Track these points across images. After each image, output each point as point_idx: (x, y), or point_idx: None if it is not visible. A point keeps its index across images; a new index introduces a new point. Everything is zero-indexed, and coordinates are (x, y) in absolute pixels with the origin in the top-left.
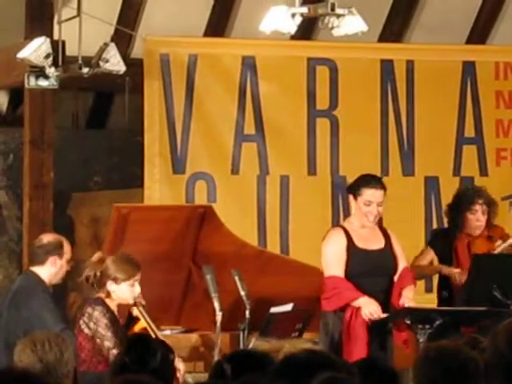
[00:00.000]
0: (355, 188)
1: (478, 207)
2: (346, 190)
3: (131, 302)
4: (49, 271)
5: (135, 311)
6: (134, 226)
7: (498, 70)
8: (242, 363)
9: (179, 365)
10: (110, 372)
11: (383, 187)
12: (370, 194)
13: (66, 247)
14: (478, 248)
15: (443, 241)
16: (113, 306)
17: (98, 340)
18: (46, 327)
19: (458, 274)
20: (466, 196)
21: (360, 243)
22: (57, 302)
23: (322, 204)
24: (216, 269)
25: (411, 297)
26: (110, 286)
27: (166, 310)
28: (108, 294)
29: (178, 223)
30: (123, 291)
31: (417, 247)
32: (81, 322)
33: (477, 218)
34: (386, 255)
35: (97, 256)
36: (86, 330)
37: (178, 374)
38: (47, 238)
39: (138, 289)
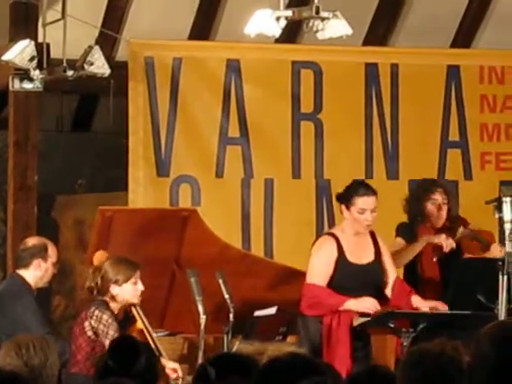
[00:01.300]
0: (347, 198)
1: (437, 196)
2: (337, 200)
3: (136, 300)
4: (33, 274)
5: (134, 311)
6: (118, 229)
7: (483, 73)
8: (225, 366)
9: (179, 369)
10: (94, 375)
11: (375, 193)
12: (362, 202)
13: (51, 250)
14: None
15: (408, 230)
16: (116, 308)
17: (107, 341)
18: (29, 331)
19: (444, 241)
20: (425, 186)
21: (351, 256)
22: (41, 305)
23: (307, 207)
24: (200, 272)
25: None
26: (113, 289)
27: (150, 312)
28: (112, 297)
29: (163, 226)
30: (127, 292)
31: None
32: (86, 323)
33: (438, 208)
34: (376, 269)
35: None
36: (90, 333)
37: (178, 376)
38: (32, 241)
39: (140, 286)
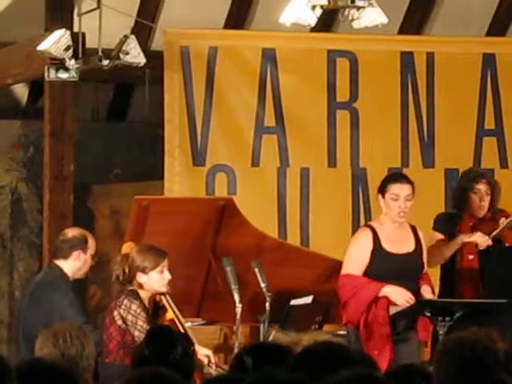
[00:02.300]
0: (382, 186)
1: (481, 186)
2: (378, 191)
3: (163, 289)
4: (73, 265)
5: (164, 300)
6: (154, 219)
7: None
8: (262, 355)
9: (211, 356)
10: (131, 364)
11: (409, 182)
12: (395, 188)
13: (91, 242)
14: (482, 229)
15: (446, 223)
16: (145, 298)
17: (136, 332)
18: (66, 320)
19: (479, 238)
20: (469, 176)
21: (388, 246)
22: (77, 295)
23: (342, 196)
24: (236, 261)
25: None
26: (140, 277)
27: (186, 302)
28: (140, 286)
29: (198, 215)
30: (154, 280)
31: None
32: (115, 312)
33: (480, 198)
34: (415, 259)
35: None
36: (120, 322)
37: (210, 362)
38: (72, 232)
39: (167, 275)
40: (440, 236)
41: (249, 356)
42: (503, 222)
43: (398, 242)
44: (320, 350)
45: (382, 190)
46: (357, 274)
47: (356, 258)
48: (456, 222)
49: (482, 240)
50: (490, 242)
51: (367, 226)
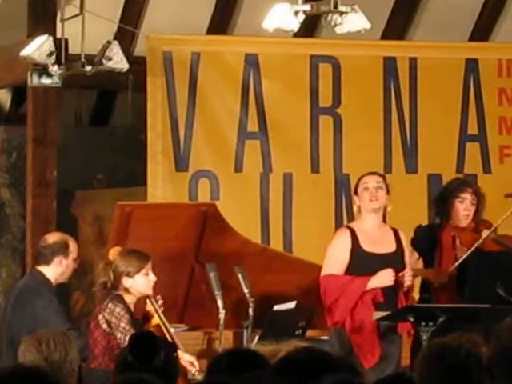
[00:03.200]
0: (356, 186)
1: (466, 195)
2: (353, 194)
3: (149, 291)
4: (55, 271)
5: (149, 305)
6: (137, 224)
7: (501, 67)
8: (238, 361)
9: (195, 362)
10: (114, 371)
11: (379, 175)
12: (365, 178)
13: (72, 246)
14: (464, 239)
15: (424, 236)
16: (131, 302)
17: (119, 334)
18: (50, 327)
19: (432, 277)
20: (455, 184)
21: (367, 246)
22: (61, 301)
23: (326, 202)
24: (219, 267)
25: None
26: (126, 281)
27: (169, 307)
28: (127, 291)
29: (182, 221)
30: (139, 283)
31: None
32: (100, 316)
33: (465, 207)
34: (395, 259)
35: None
36: (104, 326)
37: (193, 369)
38: (53, 237)
39: (152, 277)
40: (414, 253)
41: (223, 360)
42: (485, 233)
43: (378, 243)
44: (302, 356)
45: (356, 188)
46: (338, 272)
47: (336, 257)
48: (435, 233)
49: (435, 280)
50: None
51: (346, 226)
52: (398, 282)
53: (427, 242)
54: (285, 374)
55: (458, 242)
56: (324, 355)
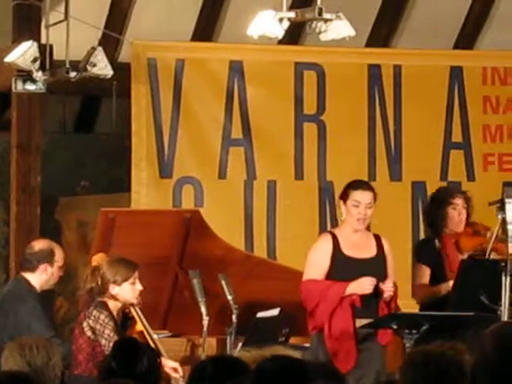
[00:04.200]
0: (344, 193)
1: (458, 201)
2: (339, 197)
3: (134, 301)
4: (39, 278)
5: (133, 312)
6: (120, 231)
7: (486, 75)
8: (221, 368)
9: (179, 368)
10: (97, 377)
11: (371, 189)
12: (357, 194)
13: (58, 254)
14: (465, 244)
15: (428, 252)
16: (114, 309)
17: (103, 341)
18: (33, 334)
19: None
20: (446, 191)
21: (348, 250)
22: (44, 307)
23: (309, 209)
24: (203, 273)
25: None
26: (113, 289)
27: (152, 314)
28: (112, 297)
29: (165, 228)
30: (126, 291)
31: (403, 252)
32: (84, 323)
33: (459, 213)
34: (377, 265)
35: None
36: (89, 333)
37: (177, 375)
38: (39, 245)
39: (139, 286)
40: (425, 268)
41: (207, 367)
42: (490, 235)
43: (358, 248)
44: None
45: (344, 196)
46: (319, 277)
47: (317, 262)
48: (435, 245)
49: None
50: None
51: (328, 231)
52: (378, 291)
53: (432, 254)
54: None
55: (461, 248)
56: (299, 364)
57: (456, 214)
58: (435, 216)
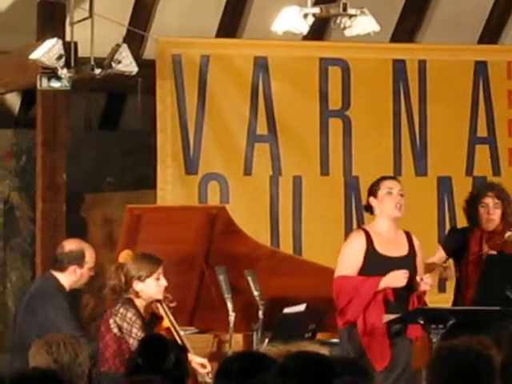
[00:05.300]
0: (374, 187)
1: (488, 200)
2: (368, 196)
3: (160, 296)
4: (68, 279)
5: (160, 308)
6: (146, 228)
7: (510, 69)
8: (248, 364)
9: (207, 364)
10: (124, 373)
11: (399, 182)
12: (388, 182)
13: (89, 256)
14: (491, 243)
15: (456, 238)
16: (141, 306)
17: (131, 340)
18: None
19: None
20: (477, 190)
21: (381, 248)
22: (72, 306)
23: (335, 204)
24: (229, 269)
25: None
26: (137, 285)
27: (179, 310)
28: (137, 294)
29: (191, 224)
30: (150, 287)
31: (430, 247)
32: (111, 321)
33: (487, 212)
34: (409, 263)
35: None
36: (115, 330)
37: (204, 371)
38: (70, 245)
39: (163, 282)
40: (440, 250)
41: (236, 363)
42: (508, 235)
43: (391, 246)
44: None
45: (374, 189)
46: (351, 274)
47: (350, 259)
48: (465, 235)
49: (450, 274)
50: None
51: (361, 228)
52: (412, 285)
53: (457, 243)
54: (283, 378)
55: (485, 245)
56: (323, 360)
57: (485, 213)
58: (468, 213)
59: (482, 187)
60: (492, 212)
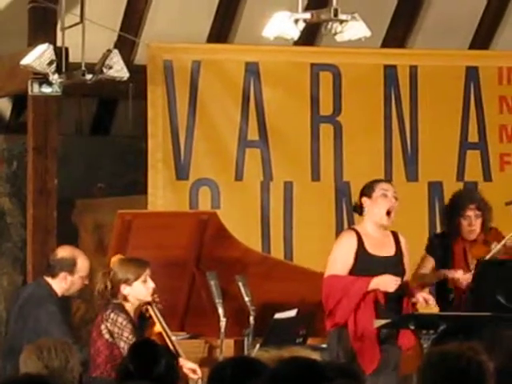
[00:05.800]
0: (368, 188)
1: (469, 213)
2: (360, 196)
3: (148, 298)
4: (59, 285)
5: (151, 311)
6: (137, 233)
7: (502, 75)
8: (240, 369)
9: (198, 369)
10: (115, 379)
11: (393, 185)
12: (383, 184)
13: (81, 264)
14: (474, 253)
15: (441, 245)
16: (131, 310)
17: (122, 344)
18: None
19: (461, 275)
20: (458, 201)
21: (371, 248)
22: (64, 312)
23: (326, 210)
24: (220, 275)
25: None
26: (124, 289)
27: (170, 315)
28: (125, 298)
29: (182, 230)
30: (138, 290)
31: (420, 252)
32: (102, 326)
33: (469, 223)
34: (396, 263)
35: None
36: (107, 336)
37: (195, 376)
38: (62, 252)
39: (151, 284)
40: (430, 259)
41: (226, 368)
42: (495, 246)
43: (380, 246)
44: (286, 369)
45: (368, 190)
46: (342, 273)
47: (341, 259)
48: (449, 242)
49: (463, 278)
50: (469, 280)
51: (351, 228)
52: (401, 291)
53: (442, 249)
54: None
55: (469, 255)
56: (314, 365)
57: (466, 224)
58: (448, 223)
59: (463, 198)
60: (474, 223)
